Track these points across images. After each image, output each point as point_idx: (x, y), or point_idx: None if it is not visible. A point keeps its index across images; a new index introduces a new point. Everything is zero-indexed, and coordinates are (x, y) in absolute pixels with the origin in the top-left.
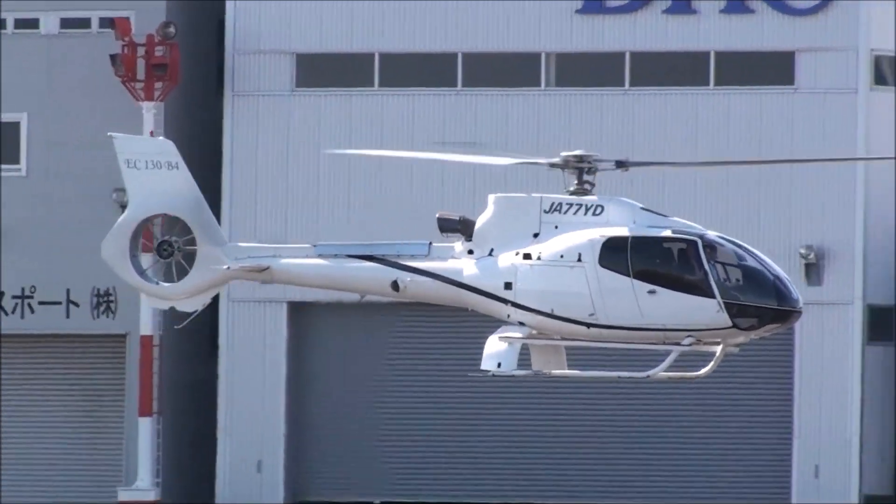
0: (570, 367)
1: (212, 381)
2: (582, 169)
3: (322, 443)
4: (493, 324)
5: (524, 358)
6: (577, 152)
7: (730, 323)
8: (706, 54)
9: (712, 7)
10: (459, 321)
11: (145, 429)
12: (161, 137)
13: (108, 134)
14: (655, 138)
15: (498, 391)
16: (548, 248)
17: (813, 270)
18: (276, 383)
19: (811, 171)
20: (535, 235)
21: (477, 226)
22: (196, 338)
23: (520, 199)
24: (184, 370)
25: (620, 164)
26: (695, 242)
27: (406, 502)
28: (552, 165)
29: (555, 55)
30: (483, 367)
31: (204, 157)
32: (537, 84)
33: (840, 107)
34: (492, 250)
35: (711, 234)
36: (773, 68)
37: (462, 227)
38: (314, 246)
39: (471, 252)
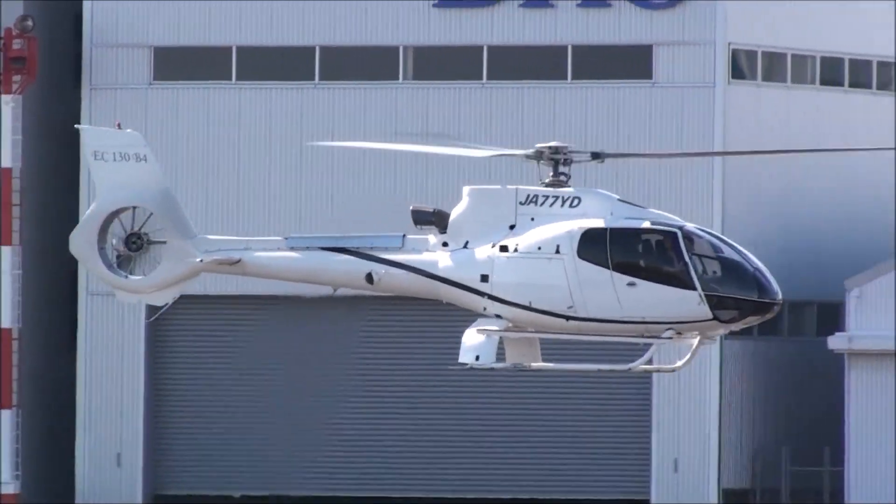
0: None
1: (71, 374)
2: (557, 160)
3: (182, 437)
4: (347, 314)
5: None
6: (553, 143)
7: (710, 315)
8: (564, 48)
9: (569, 1)
10: (319, 314)
11: (5, 422)
12: (129, 130)
13: (76, 126)
14: (513, 131)
15: (354, 385)
16: (525, 240)
17: None
18: (135, 377)
19: (670, 163)
20: (512, 227)
21: (451, 218)
22: (55, 331)
23: (495, 191)
24: (43, 363)
25: (596, 156)
26: (674, 234)
27: (265, 495)
28: (528, 157)
29: (412, 48)
30: (461, 359)
31: (62, 152)
32: (395, 77)
33: (697, 100)
34: (467, 243)
35: (690, 226)
36: (631, 62)
37: (436, 220)
38: (286, 238)
39: (445, 244)
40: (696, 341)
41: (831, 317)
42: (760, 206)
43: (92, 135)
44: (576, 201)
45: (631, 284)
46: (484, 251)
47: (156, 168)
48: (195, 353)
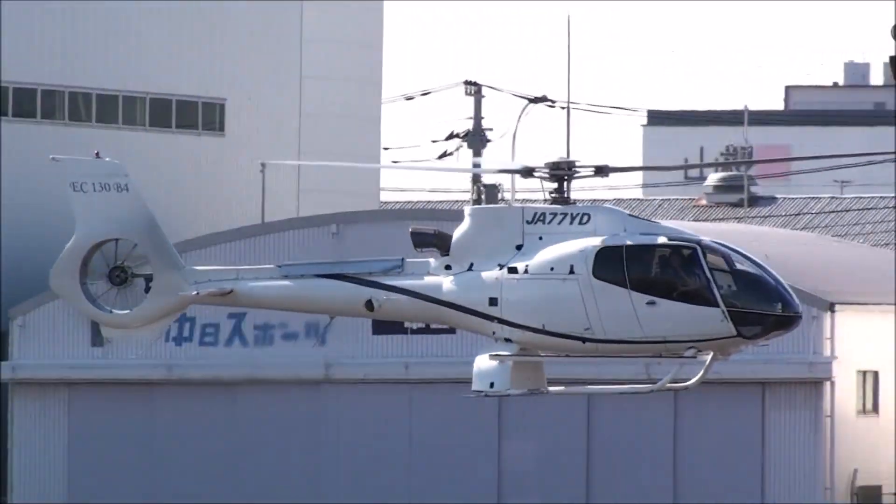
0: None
1: None
2: (562, 177)
3: None
4: None
5: None
6: (556, 159)
7: (734, 332)
8: None
9: None
10: None
11: None
12: (108, 158)
13: (51, 157)
14: None
15: None
16: (536, 260)
17: None
18: None
19: None
20: (519, 247)
21: (454, 239)
22: None
23: (500, 210)
24: None
25: (600, 171)
26: (694, 249)
27: None
28: (529, 174)
29: None
30: (475, 387)
31: None
32: None
33: None
34: (472, 265)
35: (707, 240)
36: None
37: (438, 242)
38: (279, 266)
39: (448, 267)
40: (709, 357)
41: None
42: None
43: (70, 165)
44: (585, 218)
45: (651, 303)
46: (491, 273)
47: (138, 197)
48: None
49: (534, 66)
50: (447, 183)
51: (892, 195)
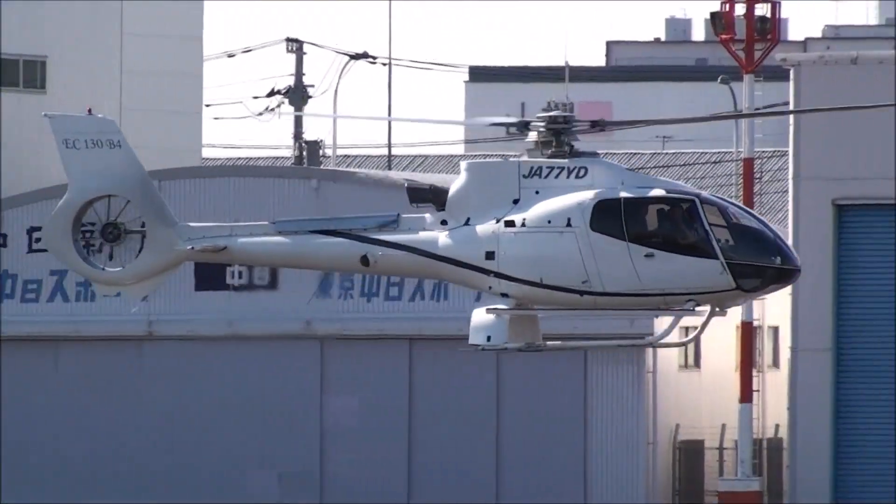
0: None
1: None
2: (559, 130)
3: None
4: None
5: None
6: (553, 113)
7: (733, 284)
8: None
9: None
10: None
11: None
12: (101, 115)
13: (44, 114)
14: None
15: None
16: (533, 213)
17: None
18: None
19: None
20: (516, 202)
21: (450, 194)
22: None
23: (496, 165)
24: None
25: (596, 124)
26: (693, 201)
27: None
28: (526, 127)
29: None
30: (471, 341)
31: None
32: None
33: None
34: (468, 219)
35: (706, 193)
36: None
37: (433, 197)
38: (273, 223)
39: (444, 222)
40: (707, 313)
41: None
42: None
43: (62, 122)
44: (582, 171)
45: (649, 256)
46: (488, 227)
47: (131, 154)
48: None
49: (355, 22)
50: (269, 139)
51: (714, 151)
